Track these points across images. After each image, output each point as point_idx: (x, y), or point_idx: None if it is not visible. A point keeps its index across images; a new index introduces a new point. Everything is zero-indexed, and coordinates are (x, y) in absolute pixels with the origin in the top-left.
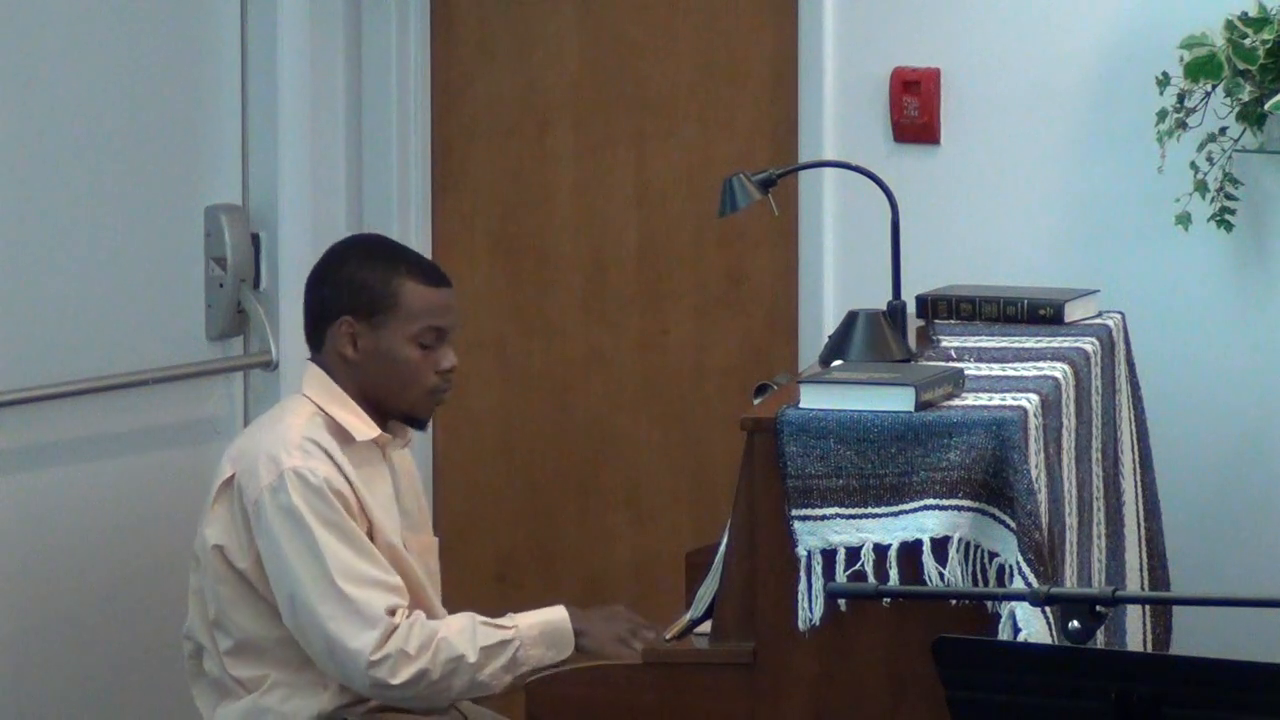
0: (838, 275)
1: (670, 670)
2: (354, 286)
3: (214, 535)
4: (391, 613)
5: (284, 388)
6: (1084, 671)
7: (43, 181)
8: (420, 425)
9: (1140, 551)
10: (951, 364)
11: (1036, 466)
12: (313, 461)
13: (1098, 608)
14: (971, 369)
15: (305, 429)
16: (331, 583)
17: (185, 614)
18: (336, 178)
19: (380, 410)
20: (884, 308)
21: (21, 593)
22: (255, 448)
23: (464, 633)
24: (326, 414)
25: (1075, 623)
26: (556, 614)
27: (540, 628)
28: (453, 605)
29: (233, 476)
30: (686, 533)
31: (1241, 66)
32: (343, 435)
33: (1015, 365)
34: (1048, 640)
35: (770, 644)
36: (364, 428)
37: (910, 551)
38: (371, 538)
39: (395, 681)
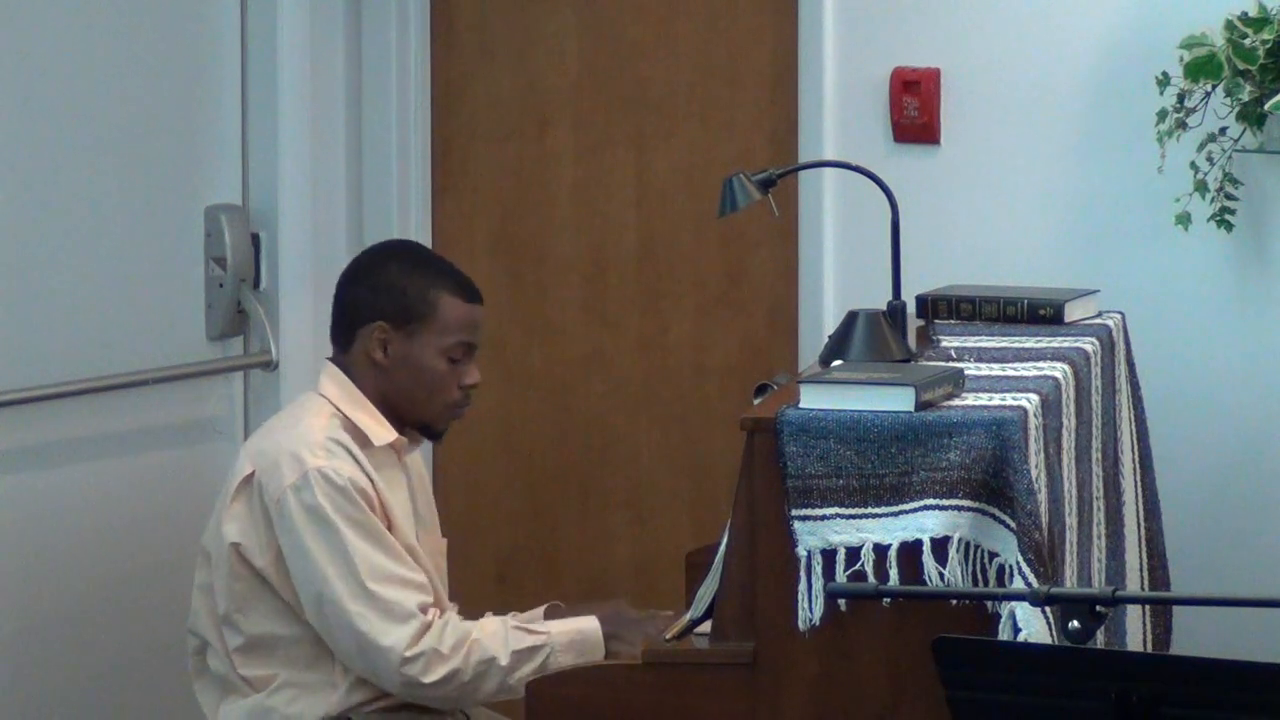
0: (838, 275)
1: (670, 670)
2: (393, 292)
3: (231, 533)
4: (424, 610)
5: (284, 387)
6: (1084, 671)
7: (43, 181)
8: (436, 437)
9: (1140, 551)
10: (951, 364)
11: (1036, 466)
12: (337, 461)
13: (1098, 608)
14: (971, 369)
15: (327, 429)
16: (361, 582)
17: (186, 613)
18: (336, 178)
19: (398, 417)
20: (884, 308)
21: (22, 593)
22: (276, 446)
23: (496, 635)
24: (344, 416)
25: (1075, 623)
26: (589, 623)
27: (571, 635)
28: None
29: (252, 474)
30: (686, 533)
31: (1241, 66)
32: (361, 438)
33: (1015, 365)
34: (1048, 640)
35: (770, 644)
36: (382, 431)
37: (910, 551)
38: None
39: (427, 680)
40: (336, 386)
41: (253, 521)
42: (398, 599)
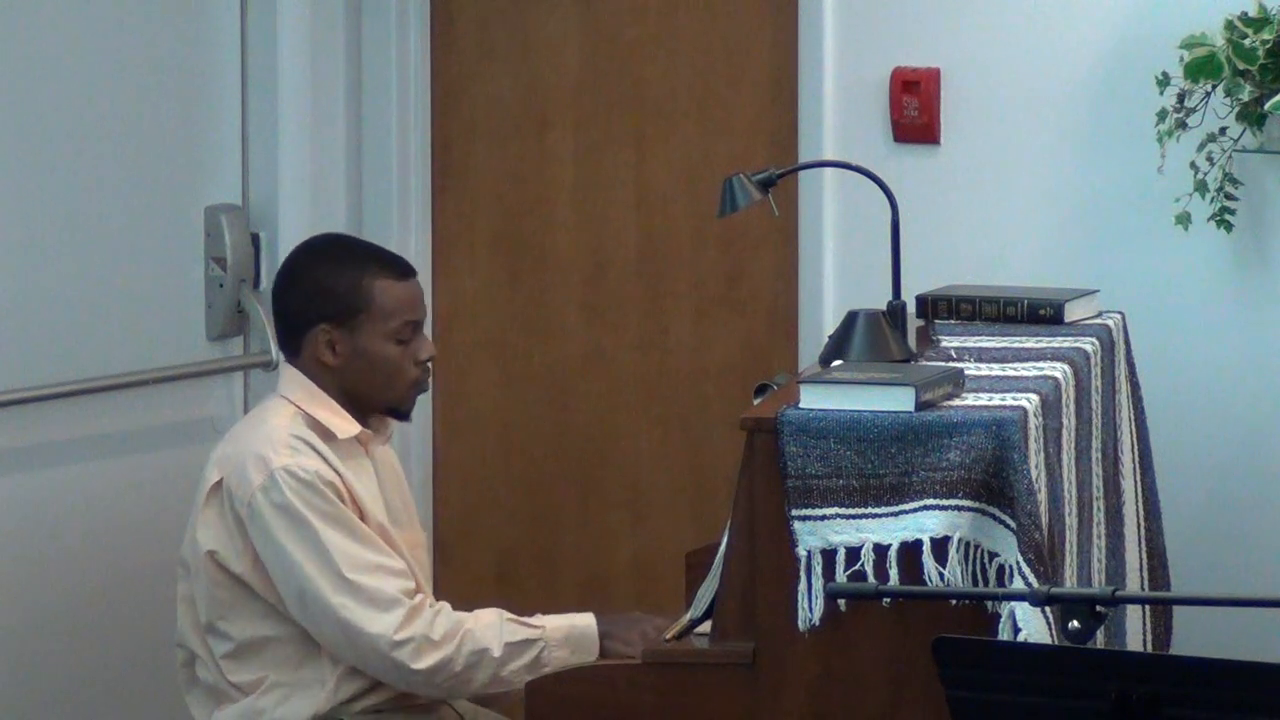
0: (838, 275)
1: (670, 670)
2: (325, 292)
3: (206, 541)
4: (408, 595)
5: None
6: (1084, 671)
7: (43, 182)
8: (404, 416)
9: (1140, 551)
10: (951, 364)
11: (1036, 466)
12: (301, 458)
13: (1098, 608)
14: (971, 369)
15: (289, 427)
16: (340, 574)
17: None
18: (336, 178)
19: (363, 407)
20: (884, 308)
21: (21, 593)
22: (241, 450)
23: (491, 627)
24: (306, 413)
25: (1075, 623)
26: (584, 619)
27: (566, 631)
28: (453, 606)
29: (220, 481)
30: (686, 533)
31: (1241, 66)
32: (325, 433)
33: (1015, 365)
34: (1048, 640)
35: (770, 644)
36: (345, 425)
37: (910, 551)
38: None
39: (418, 666)
40: (297, 385)
41: (226, 528)
42: (379, 586)
